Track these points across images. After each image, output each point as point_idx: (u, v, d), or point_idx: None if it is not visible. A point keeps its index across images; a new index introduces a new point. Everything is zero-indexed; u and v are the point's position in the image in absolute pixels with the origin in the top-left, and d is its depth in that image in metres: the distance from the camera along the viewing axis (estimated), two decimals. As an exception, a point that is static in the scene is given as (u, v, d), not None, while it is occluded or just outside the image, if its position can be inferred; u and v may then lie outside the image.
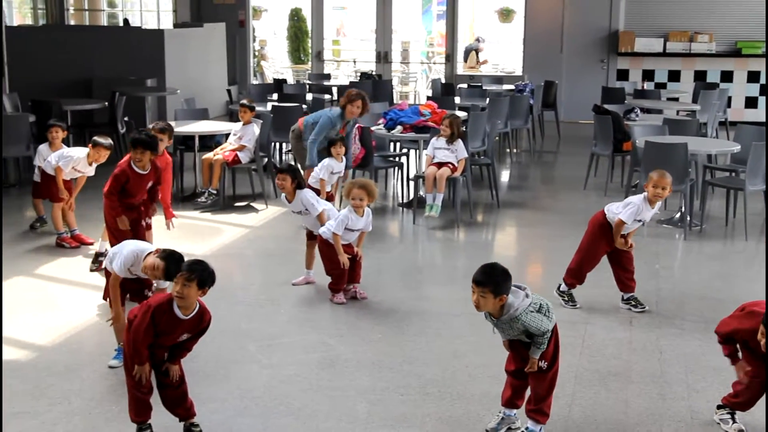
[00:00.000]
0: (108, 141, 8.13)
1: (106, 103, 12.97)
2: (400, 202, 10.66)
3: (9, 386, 5.33)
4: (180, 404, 4.74)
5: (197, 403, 4.89)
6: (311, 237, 7.32)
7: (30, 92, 13.22)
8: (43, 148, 8.91)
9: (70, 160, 8.29)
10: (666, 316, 6.72)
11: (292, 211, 7.31)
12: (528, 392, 4.80)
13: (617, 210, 6.66)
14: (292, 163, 9.51)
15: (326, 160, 8.83)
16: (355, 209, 6.87)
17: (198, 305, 4.57)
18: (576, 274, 6.81)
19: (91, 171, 8.37)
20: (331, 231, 6.83)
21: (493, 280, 4.42)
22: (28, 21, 21.00)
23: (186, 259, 4.78)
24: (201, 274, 4.47)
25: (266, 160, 10.75)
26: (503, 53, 23.82)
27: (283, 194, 7.24)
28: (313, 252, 7.34)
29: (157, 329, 4.50)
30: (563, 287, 6.86)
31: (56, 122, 9.01)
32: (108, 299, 5.61)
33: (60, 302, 6.91)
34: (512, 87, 15.38)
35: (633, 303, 6.83)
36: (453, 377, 5.58)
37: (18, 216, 9.83)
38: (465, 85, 15.60)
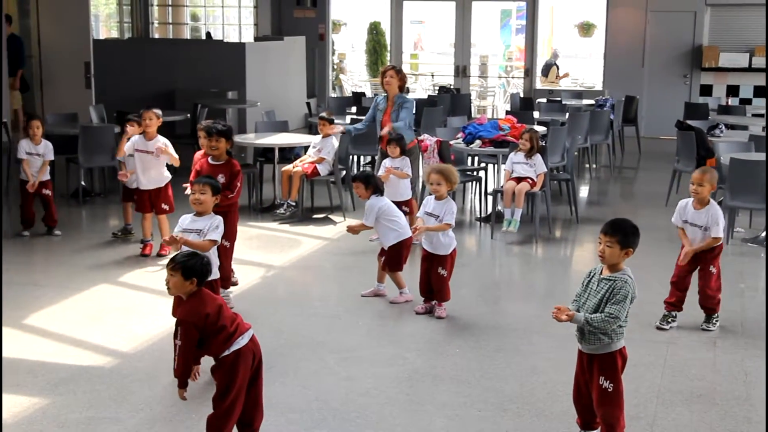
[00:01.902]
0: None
1: (188, 115, 13.19)
2: (478, 216, 10.61)
3: (95, 391, 5.45)
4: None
5: (275, 413, 4.91)
6: (383, 254, 7.34)
7: (115, 104, 13.52)
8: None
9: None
10: (751, 337, 6.55)
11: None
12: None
13: None
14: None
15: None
16: (433, 193, 6.92)
17: (188, 296, 4.44)
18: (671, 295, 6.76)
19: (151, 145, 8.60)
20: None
21: (622, 230, 4.53)
22: (114, 34, 21.48)
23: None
24: (184, 264, 4.39)
25: (345, 172, 10.81)
26: (583, 68, 23.62)
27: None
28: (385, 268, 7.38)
29: None
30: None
31: (133, 117, 9.20)
32: None
33: (142, 310, 7.02)
34: (592, 102, 15.23)
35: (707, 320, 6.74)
36: (532, 394, 5.52)
37: (102, 225, 10.05)
38: (544, 100, 15.50)
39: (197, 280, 4.40)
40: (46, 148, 9.25)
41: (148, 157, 8.57)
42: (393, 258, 7.22)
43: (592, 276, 4.63)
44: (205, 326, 4.35)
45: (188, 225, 5.75)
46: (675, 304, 6.70)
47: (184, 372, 4.44)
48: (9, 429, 4.89)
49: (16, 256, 8.57)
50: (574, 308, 4.62)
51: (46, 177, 9.27)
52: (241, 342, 4.45)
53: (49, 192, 9.24)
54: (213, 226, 5.75)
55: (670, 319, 6.68)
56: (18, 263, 8.36)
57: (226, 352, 4.41)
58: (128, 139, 8.87)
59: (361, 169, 13.25)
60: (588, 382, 4.61)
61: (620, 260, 4.53)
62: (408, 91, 9.69)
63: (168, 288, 4.45)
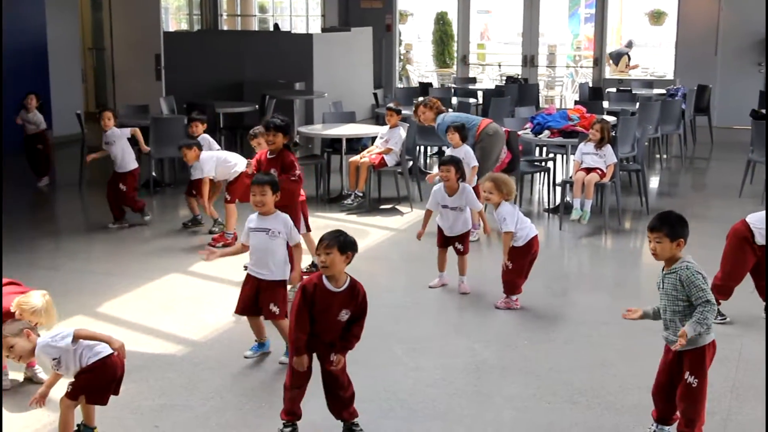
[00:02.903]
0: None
1: (257, 106, 13.29)
2: (546, 207, 10.52)
3: (167, 379, 5.55)
4: (347, 407, 4.79)
5: (345, 402, 4.92)
6: (445, 245, 7.35)
7: (185, 95, 13.69)
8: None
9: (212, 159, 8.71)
10: (829, 332, 6.39)
11: (446, 207, 7.29)
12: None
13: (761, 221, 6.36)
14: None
15: None
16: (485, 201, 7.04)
17: (348, 278, 4.59)
18: (723, 290, 6.46)
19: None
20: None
21: (667, 222, 4.43)
22: (184, 26, 21.76)
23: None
24: (338, 240, 4.53)
25: (411, 163, 10.79)
26: (654, 56, 23.25)
27: (442, 187, 7.28)
28: (445, 255, 7.39)
29: (313, 309, 4.53)
30: None
31: (196, 116, 9.34)
32: None
33: (212, 299, 7.11)
34: (663, 91, 14.97)
35: None
36: (602, 386, 5.46)
37: (173, 215, 10.19)
38: (614, 90, 15.29)
39: (352, 254, 4.56)
40: (113, 138, 9.28)
41: None
42: (468, 240, 7.36)
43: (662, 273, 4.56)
44: None
45: (256, 225, 5.74)
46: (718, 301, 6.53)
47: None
48: (84, 414, 5.00)
49: (90, 245, 8.75)
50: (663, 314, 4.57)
51: (127, 168, 9.29)
52: None
53: (124, 187, 9.25)
54: (289, 228, 5.76)
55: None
56: (93, 252, 8.55)
57: None
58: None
59: (428, 160, 13.23)
60: (674, 375, 4.54)
61: (674, 252, 4.43)
62: (443, 110, 9.72)
63: (325, 267, 4.52)
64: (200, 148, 8.79)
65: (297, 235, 5.85)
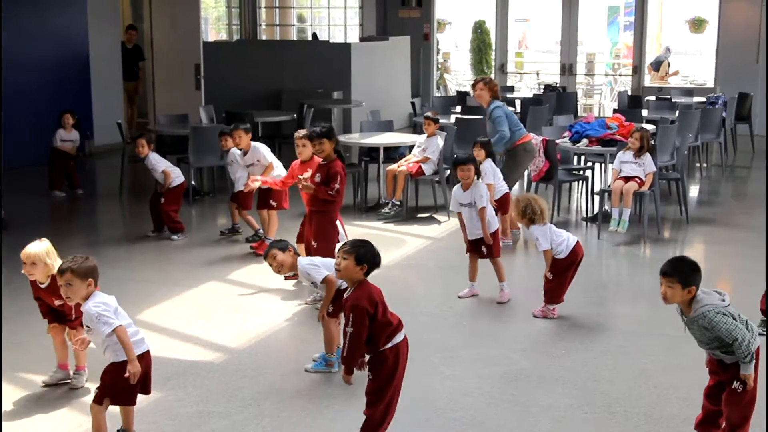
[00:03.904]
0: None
1: (295, 115, 13.36)
2: (585, 216, 10.46)
3: (204, 386, 5.58)
4: None
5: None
6: (474, 250, 7.32)
7: (224, 104, 13.79)
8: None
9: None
10: None
11: (462, 205, 7.29)
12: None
13: None
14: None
15: None
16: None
17: (357, 284, 4.53)
18: None
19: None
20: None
21: (680, 270, 4.41)
22: (223, 36, 21.93)
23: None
24: (358, 250, 4.54)
25: (449, 172, 10.78)
26: (694, 64, 23.06)
27: (459, 186, 7.31)
28: (476, 264, 7.35)
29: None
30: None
31: (225, 129, 9.41)
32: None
33: (250, 307, 7.15)
34: (703, 99, 14.84)
35: None
36: (640, 397, 5.42)
37: (211, 224, 10.27)
38: (653, 98, 15.18)
39: (367, 268, 4.55)
40: (151, 164, 9.15)
41: (249, 168, 8.84)
42: (497, 243, 7.30)
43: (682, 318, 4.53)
44: (375, 315, 4.49)
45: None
46: None
47: (354, 358, 4.50)
48: (123, 421, 5.05)
49: (130, 254, 8.83)
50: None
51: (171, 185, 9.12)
52: (400, 337, 4.59)
53: (163, 200, 9.12)
54: (307, 277, 5.77)
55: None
56: (133, 260, 8.62)
57: (389, 345, 4.53)
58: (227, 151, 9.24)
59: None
60: (719, 381, 4.52)
61: (684, 298, 4.41)
62: (499, 97, 9.70)
63: (338, 270, 4.58)
64: (247, 132, 8.80)
65: (318, 276, 5.70)
